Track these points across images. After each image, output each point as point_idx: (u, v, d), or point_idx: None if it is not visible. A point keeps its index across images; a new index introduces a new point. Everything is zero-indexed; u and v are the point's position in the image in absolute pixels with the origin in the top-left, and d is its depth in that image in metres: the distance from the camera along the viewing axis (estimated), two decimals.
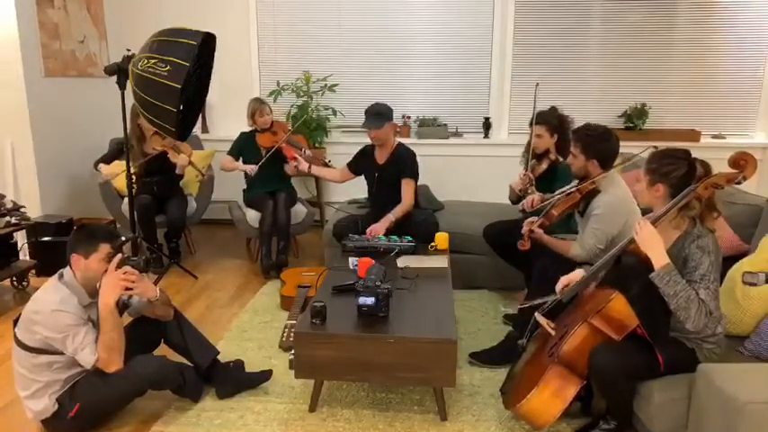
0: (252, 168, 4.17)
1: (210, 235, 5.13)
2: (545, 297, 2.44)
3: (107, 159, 4.21)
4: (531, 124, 3.42)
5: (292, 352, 2.42)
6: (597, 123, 2.90)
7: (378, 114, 3.57)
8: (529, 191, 3.46)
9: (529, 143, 3.51)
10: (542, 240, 2.95)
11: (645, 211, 2.36)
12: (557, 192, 3.17)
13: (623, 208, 2.75)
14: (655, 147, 2.31)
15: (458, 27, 5.13)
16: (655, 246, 2.04)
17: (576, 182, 2.95)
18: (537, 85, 3.51)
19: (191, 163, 4.12)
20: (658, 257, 2.03)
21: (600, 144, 2.77)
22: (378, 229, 3.47)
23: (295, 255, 4.54)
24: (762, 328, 2.29)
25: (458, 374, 2.64)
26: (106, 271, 2.24)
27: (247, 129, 4.40)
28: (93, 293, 2.29)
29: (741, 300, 2.35)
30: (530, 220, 3.01)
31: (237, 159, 4.34)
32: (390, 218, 3.54)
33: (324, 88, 5.06)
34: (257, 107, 4.28)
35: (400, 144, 3.73)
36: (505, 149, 5.04)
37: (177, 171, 4.15)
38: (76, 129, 4.71)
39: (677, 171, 2.11)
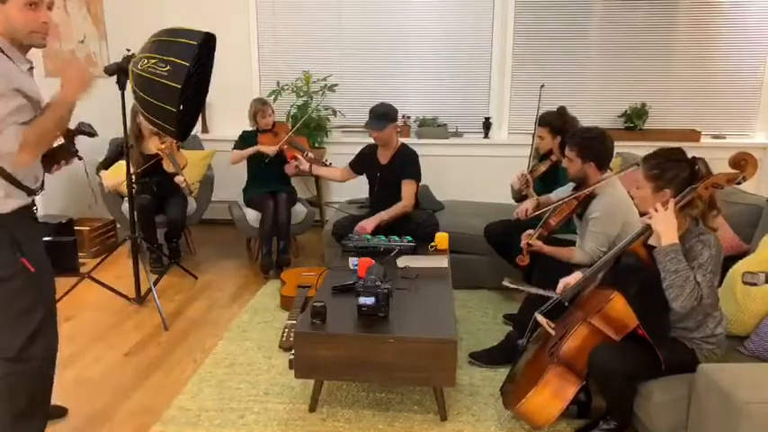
0: (272, 149, 4.14)
1: (210, 235, 5.13)
2: (547, 292, 2.44)
3: (108, 162, 4.21)
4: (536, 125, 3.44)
5: (292, 352, 2.42)
6: (590, 126, 2.90)
7: (382, 115, 3.57)
8: (523, 191, 3.47)
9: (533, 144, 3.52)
10: (543, 252, 2.92)
11: (642, 212, 2.35)
12: (554, 194, 3.17)
13: (620, 208, 2.75)
14: None
15: (458, 27, 5.13)
16: (668, 225, 2.05)
17: (572, 185, 2.95)
18: (542, 86, 3.50)
19: (184, 180, 4.10)
20: (669, 236, 2.04)
21: (596, 146, 2.77)
22: (366, 225, 3.47)
23: (295, 255, 4.54)
24: (762, 328, 2.29)
25: (458, 374, 2.64)
26: (45, 23, 1.91)
27: (249, 128, 4.41)
28: (26, 49, 1.98)
29: (741, 300, 2.35)
30: (527, 233, 2.98)
31: None
32: (383, 216, 3.53)
33: (324, 88, 5.06)
34: (259, 108, 4.28)
35: (404, 145, 3.73)
36: (505, 149, 5.04)
37: (175, 180, 4.15)
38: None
39: (682, 174, 2.11)
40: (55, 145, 2.14)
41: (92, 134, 2.33)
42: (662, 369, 2.08)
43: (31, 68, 2.01)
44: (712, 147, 4.93)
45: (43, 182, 2.11)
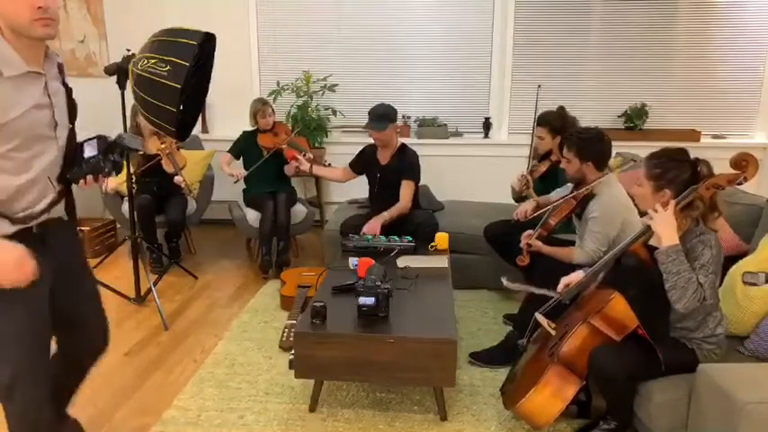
0: (239, 174, 4.14)
1: (210, 235, 5.12)
2: (548, 292, 2.44)
3: None
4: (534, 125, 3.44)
5: (292, 352, 2.42)
6: (587, 126, 2.91)
7: (381, 116, 3.57)
8: (524, 193, 3.47)
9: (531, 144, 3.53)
10: (543, 252, 2.92)
11: (641, 212, 2.36)
12: (553, 194, 3.17)
13: (619, 208, 2.75)
14: None
15: (458, 27, 5.13)
16: (668, 226, 2.05)
17: (570, 185, 2.95)
18: (539, 87, 3.51)
19: (184, 181, 4.10)
20: (669, 237, 2.04)
21: (594, 146, 2.77)
22: (373, 226, 3.48)
23: (295, 255, 4.54)
24: (762, 328, 2.29)
25: (458, 374, 2.64)
26: (40, 8, 1.61)
27: (250, 128, 4.41)
28: (33, 52, 1.70)
29: (741, 300, 2.35)
30: (527, 233, 2.98)
31: (237, 158, 4.35)
32: (386, 216, 3.55)
33: (324, 88, 5.06)
34: (259, 108, 4.29)
35: (404, 145, 3.73)
36: (505, 149, 5.04)
37: (174, 180, 4.15)
38: (76, 129, 4.69)
39: (683, 175, 2.11)
40: (88, 155, 1.97)
41: (135, 149, 2.09)
42: (662, 369, 2.08)
43: (35, 72, 1.73)
44: (712, 147, 4.93)
45: (45, 210, 1.80)
